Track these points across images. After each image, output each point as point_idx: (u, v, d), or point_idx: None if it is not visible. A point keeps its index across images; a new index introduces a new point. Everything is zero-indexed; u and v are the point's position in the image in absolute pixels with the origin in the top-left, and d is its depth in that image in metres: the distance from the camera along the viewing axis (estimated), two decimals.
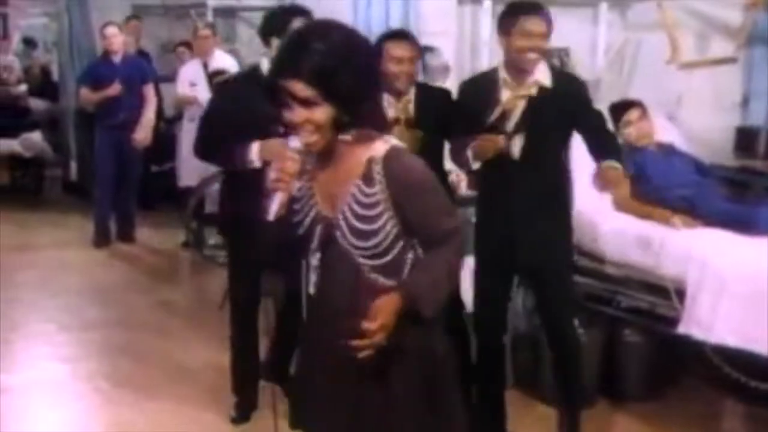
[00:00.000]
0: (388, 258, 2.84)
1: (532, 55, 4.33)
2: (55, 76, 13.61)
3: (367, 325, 2.67)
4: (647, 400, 5.50)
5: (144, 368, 6.05)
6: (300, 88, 2.64)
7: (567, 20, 6.58)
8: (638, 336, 5.46)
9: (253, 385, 5.16)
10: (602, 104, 6.13)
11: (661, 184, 5.48)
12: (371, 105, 2.80)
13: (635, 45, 6.62)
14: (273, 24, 4.65)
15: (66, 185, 12.34)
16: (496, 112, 4.36)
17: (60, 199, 12.20)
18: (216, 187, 8.42)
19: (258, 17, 11.13)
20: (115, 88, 9.24)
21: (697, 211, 5.29)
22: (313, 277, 2.95)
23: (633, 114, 5.77)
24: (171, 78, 10.18)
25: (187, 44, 10.93)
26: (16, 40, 15.91)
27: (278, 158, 2.80)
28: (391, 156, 2.78)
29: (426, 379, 2.92)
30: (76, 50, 11.67)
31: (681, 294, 4.89)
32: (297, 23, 4.38)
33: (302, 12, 4.64)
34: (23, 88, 13.18)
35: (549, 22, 4.42)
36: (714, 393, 5.57)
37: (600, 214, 5.50)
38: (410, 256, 2.88)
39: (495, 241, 4.56)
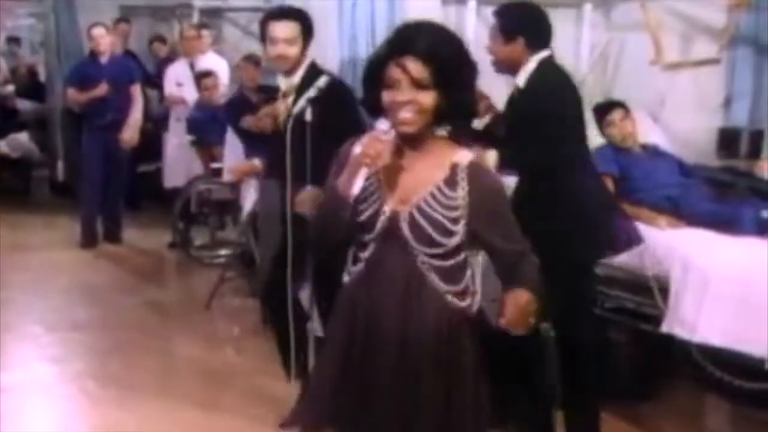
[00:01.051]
0: (449, 262, 2.86)
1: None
2: (42, 76, 13.59)
3: (515, 306, 2.75)
4: (632, 399, 5.52)
5: (131, 369, 6.06)
6: (415, 67, 2.71)
7: (550, 20, 6.62)
8: (624, 335, 5.48)
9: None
10: (586, 105, 6.18)
11: (644, 185, 5.52)
12: (469, 101, 2.87)
13: (619, 46, 6.65)
14: (260, 29, 4.71)
15: (53, 186, 12.32)
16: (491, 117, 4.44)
17: (47, 200, 12.19)
18: (202, 187, 8.47)
19: (244, 18, 11.20)
20: (102, 89, 9.24)
21: (680, 211, 5.34)
22: (354, 269, 2.98)
23: (616, 114, 5.80)
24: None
25: (161, 38, 10.95)
26: (2, 40, 15.87)
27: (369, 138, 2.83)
28: (476, 165, 2.86)
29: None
30: (63, 51, 11.65)
31: (665, 293, 4.93)
32: (270, 28, 4.50)
33: (277, 15, 4.67)
34: (10, 88, 13.15)
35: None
36: (698, 391, 5.60)
37: None
38: (469, 270, 2.93)
39: None
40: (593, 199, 4.57)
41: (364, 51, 5.92)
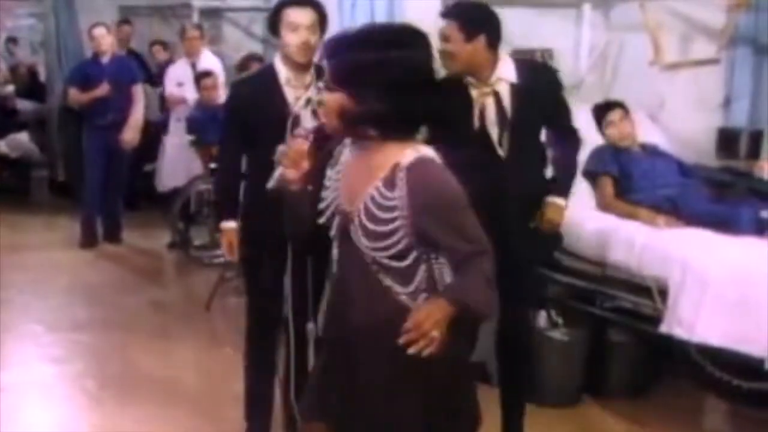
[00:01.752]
0: (402, 264, 2.85)
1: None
2: (42, 76, 13.59)
3: (411, 329, 2.68)
4: (631, 398, 5.54)
5: (131, 369, 6.06)
6: (327, 70, 2.85)
7: (550, 21, 6.64)
8: (622, 335, 5.50)
9: (267, 415, 4.81)
10: (585, 105, 6.18)
11: (643, 185, 5.53)
12: (380, 103, 2.78)
13: (618, 46, 6.64)
14: (271, 18, 4.47)
15: (53, 186, 12.32)
16: (477, 115, 4.38)
17: (47, 200, 12.17)
18: (201, 187, 8.48)
19: (244, 18, 11.22)
20: (103, 89, 9.24)
21: (679, 211, 5.34)
22: (333, 267, 3.02)
23: (615, 115, 5.81)
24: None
25: (162, 43, 10.95)
26: (2, 40, 15.87)
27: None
28: (416, 165, 2.80)
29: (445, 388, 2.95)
30: (63, 51, 11.67)
31: (664, 294, 4.92)
32: (287, 14, 4.28)
33: (300, 1, 4.37)
34: (10, 88, 13.16)
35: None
36: (697, 391, 5.60)
37: (583, 214, 5.53)
38: (423, 268, 2.87)
39: None
40: None
41: None
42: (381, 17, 5.96)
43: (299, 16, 4.28)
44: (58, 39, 11.71)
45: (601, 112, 5.89)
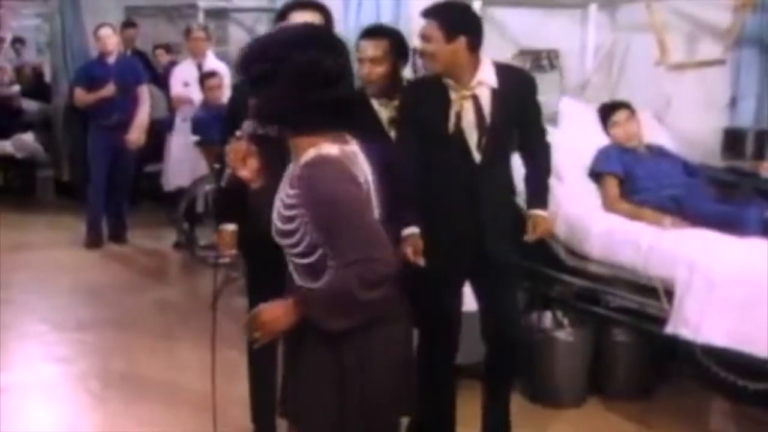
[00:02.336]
0: (310, 260, 2.92)
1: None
2: (48, 77, 13.60)
3: (252, 320, 2.92)
4: (636, 399, 5.53)
5: (136, 369, 6.06)
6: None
7: (556, 21, 6.63)
8: (627, 335, 5.48)
9: (272, 416, 4.82)
10: (591, 105, 6.18)
11: (649, 185, 5.51)
12: (273, 102, 2.90)
13: (624, 46, 6.63)
14: (277, 17, 4.46)
15: (58, 186, 12.33)
16: (452, 118, 4.35)
17: (52, 200, 12.21)
18: (208, 187, 8.47)
19: (249, 18, 11.21)
20: (109, 89, 9.27)
21: (685, 211, 5.32)
22: None
23: (621, 115, 5.81)
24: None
25: (165, 46, 10.96)
26: (8, 41, 15.89)
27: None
28: (311, 164, 2.84)
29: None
30: (68, 51, 11.68)
31: (670, 294, 4.90)
32: (294, 18, 4.24)
33: (303, 4, 4.39)
34: (16, 88, 13.17)
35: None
36: (702, 392, 5.60)
37: (589, 214, 5.53)
38: (331, 264, 2.87)
39: (453, 245, 4.44)
40: None
41: None
42: (387, 16, 5.96)
43: (304, 20, 4.20)
44: (64, 39, 11.73)
45: (607, 112, 5.89)
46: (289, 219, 2.87)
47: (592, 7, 6.67)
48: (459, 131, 4.32)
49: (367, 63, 4.46)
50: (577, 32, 6.78)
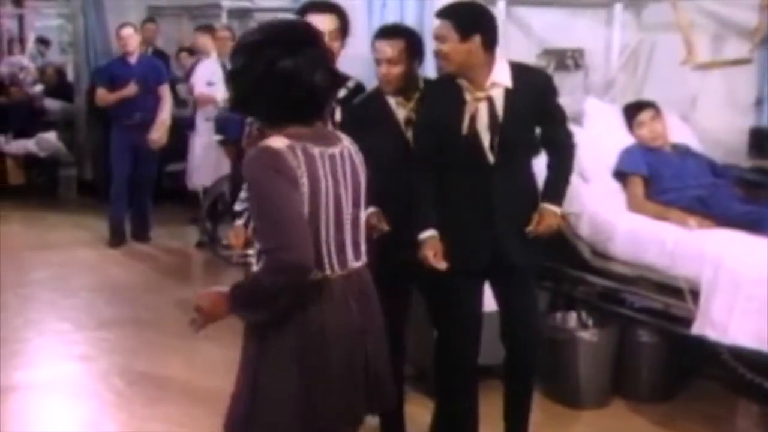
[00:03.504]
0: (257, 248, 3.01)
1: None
2: (71, 76, 13.66)
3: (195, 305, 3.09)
4: (661, 400, 5.50)
5: (158, 367, 6.07)
6: None
7: (581, 21, 6.59)
8: (652, 336, 5.45)
9: None
10: (616, 105, 6.15)
11: (675, 185, 5.48)
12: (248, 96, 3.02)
13: (650, 46, 6.58)
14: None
15: (81, 185, 12.39)
16: (467, 120, 4.33)
17: (75, 199, 12.25)
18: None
19: (272, 18, 11.21)
20: (131, 89, 9.29)
21: (711, 211, 5.28)
22: None
23: (646, 115, 5.78)
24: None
25: (189, 50, 10.98)
26: (31, 41, 15.97)
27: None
28: (252, 153, 2.95)
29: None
30: (91, 51, 11.73)
31: (695, 294, 4.87)
32: (313, 18, 4.19)
33: (319, 6, 4.46)
34: (39, 88, 13.23)
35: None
36: (728, 394, 5.56)
37: (614, 214, 5.49)
38: None
39: (468, 247, 4.41)
40: None
41: None
42: (411, 16, 5.92)
43: (320, 23, 4.20)
44: (87, 39, 11.80)
45: (633, 112, 5.86)
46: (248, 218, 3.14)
47: (618, 7, 6.64)
48: (473, 133, 4.29)
49: (384, 63, 4.48)
50: (602, 32, 6.75)
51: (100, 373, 6.02)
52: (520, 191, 4.43)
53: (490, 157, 4.31)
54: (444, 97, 4.38)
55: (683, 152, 5.75)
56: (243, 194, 4.34)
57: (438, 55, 4.48)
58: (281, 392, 3.02)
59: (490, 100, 4.28)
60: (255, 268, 3.01)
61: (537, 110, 4.38)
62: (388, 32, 4.60)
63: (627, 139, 5.82)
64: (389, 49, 4.47)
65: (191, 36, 11.33)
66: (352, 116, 4.53)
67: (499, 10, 6.41)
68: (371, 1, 5.89)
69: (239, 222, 4.53)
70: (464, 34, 4.20)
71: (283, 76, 2.92)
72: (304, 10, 4.42)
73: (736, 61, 6.02)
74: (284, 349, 2.99)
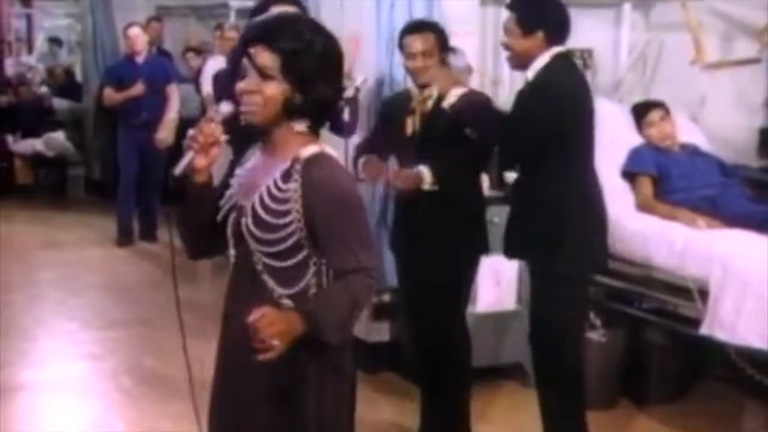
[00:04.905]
0: (287, 263, 2.70)
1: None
2: (79, 76, 13.69)
3: (257, 321, 2.48)
4: (669, 401, 5.50)
5: (167, 367, 6.06)
6: (264, 56, 2.62)
7: (590, 21, 6.57)
8: (660, 336, 5.46)
9: None
10: (625, 105, 6.14)
11: (684, 185, 5.46)
12: (326, 100, 2.70)
13: (658, 45, 6.57)
14: (255, 10, 4.50)
15: (89, 184, 12.41)
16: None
17: (83, 198, 12.29)
18: None
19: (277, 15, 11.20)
20: (138, 88, 9.32)
21: (720, 211, 5.27)
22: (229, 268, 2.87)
23: (655, 115, 5.76)
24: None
25: (196, 50, 10.98)
26: (40, 40, 16.00)
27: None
28: (314, 160, 2.67)
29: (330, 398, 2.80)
30: (99, 51, 11.74)
31: (704, 295, 4.86)
32: (278, 9, 4.20)
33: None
34: (46, 88, 13.27)
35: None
36: (737, 394, 5.55)
37: (623, 214, 5.47)
38: (311, 272, 2.72)
39: None
40: (597, 208, 4.53)
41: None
42: (419, 16, 5.91)
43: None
44: (95, 39, 11.82)
45: (641, 111, 5.84)
46: (280, 213, 2.65)
47: (626, 7, 6.63)
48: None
49: (419, 56, 4.64)
50: (610, 31, 6.74)
51: (108, 372, 6.03)
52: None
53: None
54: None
55: (692, 152, 5.73)
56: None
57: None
58: (344, 415, 2.89)
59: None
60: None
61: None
62: (417, 27, 4.79)
63: (636, 139, 5.81)
64: (421, 43, 4.64)
65: (198, 35, 11.37)
66: (383, 109, 5.05)
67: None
68: (380, 2, 5.88)
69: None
70: (527, 30, 4.35)
71: (341, 65, 2.76)
72: (268, 2, 4.41)
73: (746, 60, 6.00)
74: (342, 371, 2.83)
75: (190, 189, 2.80)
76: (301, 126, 2.69)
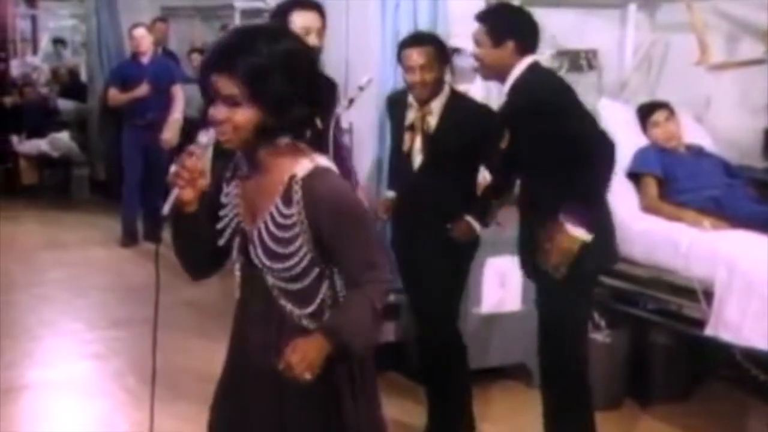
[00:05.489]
0: (301, 285, 2.69)
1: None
2: (84, 76, 13.70)
3: (288, 361, 2.56)
4: (674, 402, 5.50)
5: (171, 367, 6.05)
6: (227, 85, 2.52)
7: (595, 21, 6.58)
8: (665, 337, 5.46)
9: None
10: (630, 105, 6.14)
11: (689, 186, 5.46)
12: (303, 117, 2.63)
13: (663, 46, 6.57)
14: (274, 15, 4.45)
15: (93, 184, 12.42)
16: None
17: (87, 199, 12.28)
18: None
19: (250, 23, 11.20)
20: (143, 89, 9.32)
21: (725, 212, 5.27)
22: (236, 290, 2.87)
23: (660, 115, 5.76)
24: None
25: (201, 50, 10.99)
26: (44, 41, 16.02)
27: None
28: (313, 176, 2.61)
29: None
30: (104, 51, 11.75)
31: (709, 296, 4.86)
32: (297, 18, 4.19)
33: (306, 4, 4.34)
34: (51, 88, 13.28)
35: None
36: (741, 395, 5.55)
37: (628, 215, 5.47)
38: (325, 286, 2.72)
39: None
40: (604, 206, 4.50)
41: None
42: (424, 19, 5.92)
43: (306, 20, 4.24)
44: (100, 39, 11.81)
45: (647, 112, 5.84)
46: (288, 241, 2.63)
47: (631, 7, 6.62)
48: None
49: (417, 70, 4.59)
50: (615, 32, 6.74)
51: (113, 372, 6.03)
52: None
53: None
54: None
55: (697, 153, 5.73)
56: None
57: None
58: (377, 413, 2.94)
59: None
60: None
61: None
62: (417, 40, 4.73)
63: (641, 140, 5.80)
64: (419, 56, 4.59)
65: (203, 36, 11.38)
66: (388, 105, 5.04)
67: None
68: (384, 3, 5.88)
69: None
70: (497, 40, 4.28)
71: (313, 65, 2.72)
72: (288, 7, 4.29)
73: (751, 61, 6.00)
74: (370, 369, 2.86)
75: (182, 222, 2.79)
76: (283, 141, 2.64)
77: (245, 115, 2.54)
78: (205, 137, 2.58)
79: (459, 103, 4.76)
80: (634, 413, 5.42)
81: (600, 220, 4.38)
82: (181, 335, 6.67)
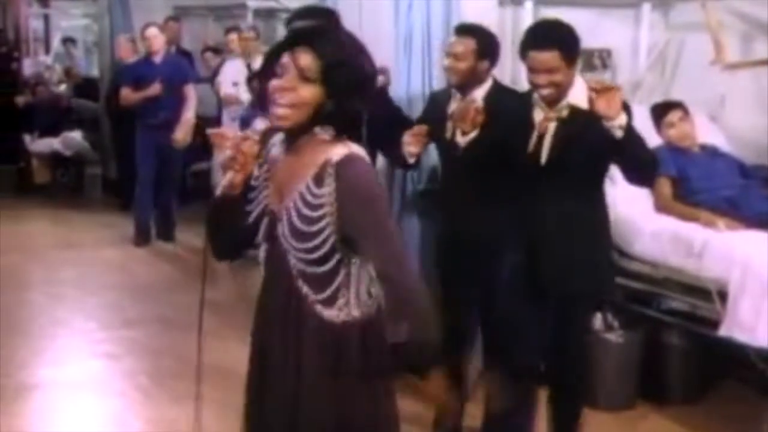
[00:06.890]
0: (321, 269, 2.74)
1: (543, 92, 4.20)
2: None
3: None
4: (687, 402, 5.48)
5: (184, 366, 6.05)
6: (306, 58, 2.63)
7: (609, 21, 6.57)
8: (679, 338, 5.44)
9: None
10: (644, 105, 6.11)
11: (703, 186, 5.44)
12: (356, 112, 2.72)
13: (678, 46, 6.57)
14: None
15: (106, 184, 12.44)
16: (533, 138, 4.25)
17: (100, 198, 12.30)
18: None
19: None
20: (155, 88, 9.32)
21: (739, 212, 5.26)
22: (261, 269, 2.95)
23: (675, 115, 5.73)
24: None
25: (215, 50, 11.00)
26: (57, 40, 16.06)
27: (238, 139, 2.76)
28: (345, 161, 2.67)
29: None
30: (117, 51, 11.76)
31: (723, 296, 4.85)
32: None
33: (320, 13, 4.44)
34: (64, 87, 13.31)
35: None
36: (755, 396, 5.52)
37: (641, 215, 5.47)
38: (342, 274, 2.76)
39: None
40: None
41: (419, 52, 5.90)
42: (437, 19, 5.91)
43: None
44: (112, 39, 11.82)
45: (661, 112, 5.81)
46: (315, 220, 2.68)
47: (646, 7, 6.62)
48: (537, 152, 4.28)
49: (451, 57, 4.78)
50: (630, 32, 6.73)
51: (125, 371, 6.04)
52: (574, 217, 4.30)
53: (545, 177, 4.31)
54: (515, 112, 4.48)
55: (712, 153, 5.71)
56: None
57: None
58: (393, 407, 2.99)
59: (562, 121, 4.24)
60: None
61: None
62: (461, 30, 4.91)
63: (655, 140, 5.78)
64: (458, 45, 4.79)
65: (216, 36, 11.38)
66: (429, 104, 5.23)
67: (527, 11, 6.42)
68: (398, 3, 5.88)
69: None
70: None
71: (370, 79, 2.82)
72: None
73: (766, 61, 5.98)
74: (387, 368, 2.90)
75: (227, 203, 2.86)
76: (325, 134, 2.71)
77: (311, 91, 2.64)
78: (262, 124, 2.69)
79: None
80: (647, 414, 5.40)
81: (600, 251, 4.39)
82: (194, 334, 6.57)
